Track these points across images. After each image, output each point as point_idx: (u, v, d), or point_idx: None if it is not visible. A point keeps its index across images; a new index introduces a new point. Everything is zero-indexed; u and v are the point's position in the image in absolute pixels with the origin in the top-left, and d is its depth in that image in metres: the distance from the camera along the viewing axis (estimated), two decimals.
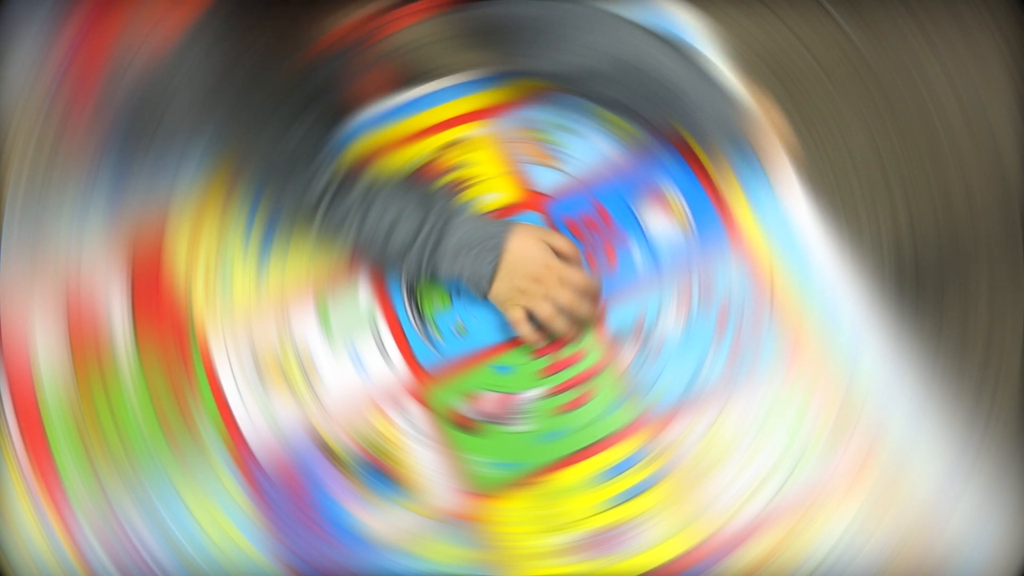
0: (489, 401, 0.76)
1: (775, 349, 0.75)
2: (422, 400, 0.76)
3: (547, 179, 0.81)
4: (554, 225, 0.79)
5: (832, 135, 0.81)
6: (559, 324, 0.75)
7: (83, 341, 0.74)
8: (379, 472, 0.74)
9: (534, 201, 0.80)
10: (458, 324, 0.78)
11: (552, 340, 0.77)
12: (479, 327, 0.78)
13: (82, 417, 0.73)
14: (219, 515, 0.72)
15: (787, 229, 0.78)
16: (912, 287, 0.76)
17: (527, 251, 0.74)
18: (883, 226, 0.78)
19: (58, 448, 0.72)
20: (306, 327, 0.77)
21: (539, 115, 0.82)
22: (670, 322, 0.77)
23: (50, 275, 0.75)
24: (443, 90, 0.82)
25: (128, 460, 0.72)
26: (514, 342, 0.77)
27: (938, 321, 0.75)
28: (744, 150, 0.78)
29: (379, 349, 0.77)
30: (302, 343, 0.76)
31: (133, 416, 0.73)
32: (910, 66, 0.81)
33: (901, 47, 0.81)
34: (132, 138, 0.75)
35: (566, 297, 0.75)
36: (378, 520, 0.73)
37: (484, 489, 0.74)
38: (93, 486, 0.71)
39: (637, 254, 0.78)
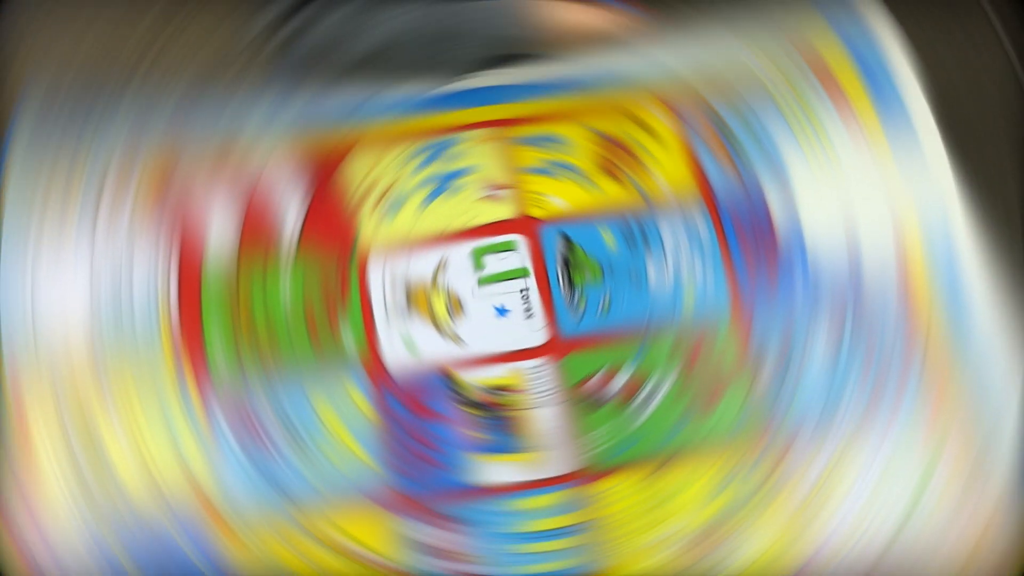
0: (619, 382, 0.76)
1: (917, 398, 0.74)
2: (555, 366, 0.76)
3: (724, 180, 0.81)
4: (721, 226, 0.80)
5: (992, 174, 0.78)
6: None
7: (254, 235, 0.78)
8: (500, 423, 0.75)
9: (706, 197, 0.80)
10: (605, 301, 0.78)
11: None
12: (623, 308, 0.78)
13: (237, 304, 0.76)
14: (341, 424, 0.74)
15: (954, 277, 0.76)
16: None
17: None
18: None
19: (209, 325, 0.75)
20: (461, 270, 0.78)
21: (727, 113, 0.82)
22: (817, 348, 0.76)
23: (236, 168, 0.78)
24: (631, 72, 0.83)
25: (271, 352, 0.75)
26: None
27: None
28: None
29: (523, 307, 0.78)
30: (454, 283, 0.78)
31: (284, 312, 0.76)
32: None
33: None
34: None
35: None
36: (489, 468, 0.74)
37: (597, 466, 0.74)
38: (234, 366, 0.74)
39: (799, 273, 0.78)
